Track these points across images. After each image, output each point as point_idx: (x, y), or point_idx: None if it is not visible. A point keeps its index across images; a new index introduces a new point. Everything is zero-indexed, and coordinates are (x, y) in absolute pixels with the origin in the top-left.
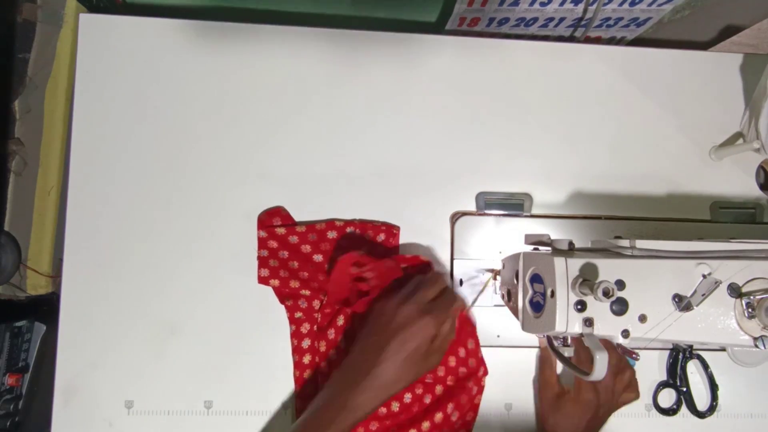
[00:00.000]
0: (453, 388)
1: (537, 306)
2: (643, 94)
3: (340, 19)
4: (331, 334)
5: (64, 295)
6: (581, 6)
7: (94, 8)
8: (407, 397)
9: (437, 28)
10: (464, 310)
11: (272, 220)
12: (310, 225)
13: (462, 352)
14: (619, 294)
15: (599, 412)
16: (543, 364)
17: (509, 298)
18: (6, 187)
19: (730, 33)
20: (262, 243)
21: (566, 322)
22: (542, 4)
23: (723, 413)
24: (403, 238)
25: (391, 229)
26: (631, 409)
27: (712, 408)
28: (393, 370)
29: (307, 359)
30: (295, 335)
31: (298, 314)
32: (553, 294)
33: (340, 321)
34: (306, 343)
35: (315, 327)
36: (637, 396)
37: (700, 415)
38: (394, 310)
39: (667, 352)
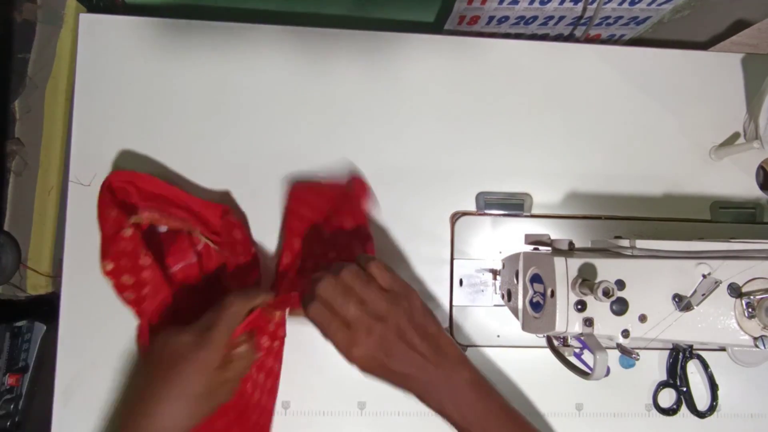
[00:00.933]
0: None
1: (537, 306)
2: (643, 94)
3: (340, 19)
4: None
5: (64, 295)
6: (581, 5)
7: (94, 8)
8: None
9: (436, 27)
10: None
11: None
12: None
13: (261, 377)
14: (619, 294)
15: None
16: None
17: (509, 298)
18: (6, 187)
19: (730, 33)
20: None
21: (566, 322)
22: (542, 3)
23: (723, 413)
24: (404, 238)
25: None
26: (632, 409)
27: (712, 408)
28: (167, 418)
29: None
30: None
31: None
32: (553, 294)
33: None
34: None
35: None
36: None
37: (700, 415)
38: (165, 338)
39: (667, 352)
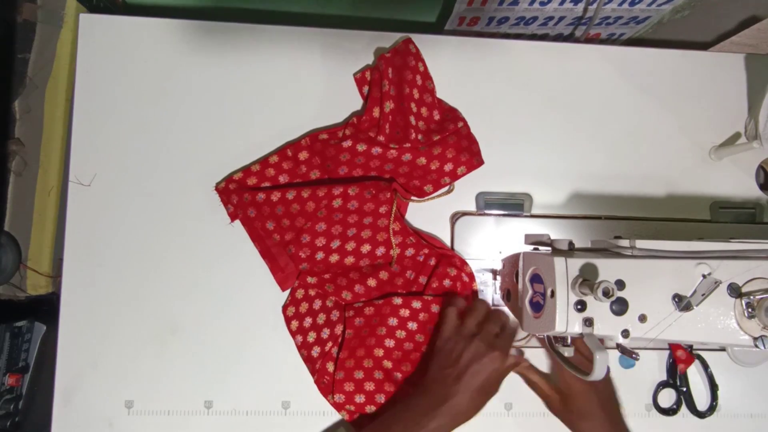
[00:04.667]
0: None
1: (537, 306)
2: (643, 94)
3: (340, 19)
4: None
5: (64, 295)
6: (581, 5)
7: (94, 8)
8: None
9: (437, 27)
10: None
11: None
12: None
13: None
14: (619, 294)
15: (600, 387)
16: (531, 386)
17: (509, 298)
18: (6, 187)
19: (729, 33)
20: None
21: (566, 322)
22: (542, 4)
23: (723, 413)
24: None
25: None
26: (632, 408)
27: (712, 408)
28: (466, 401)
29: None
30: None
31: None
32: (553, 294)
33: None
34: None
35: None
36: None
37: (700, 415)
38: (463, 345)
39: (667, 352)
